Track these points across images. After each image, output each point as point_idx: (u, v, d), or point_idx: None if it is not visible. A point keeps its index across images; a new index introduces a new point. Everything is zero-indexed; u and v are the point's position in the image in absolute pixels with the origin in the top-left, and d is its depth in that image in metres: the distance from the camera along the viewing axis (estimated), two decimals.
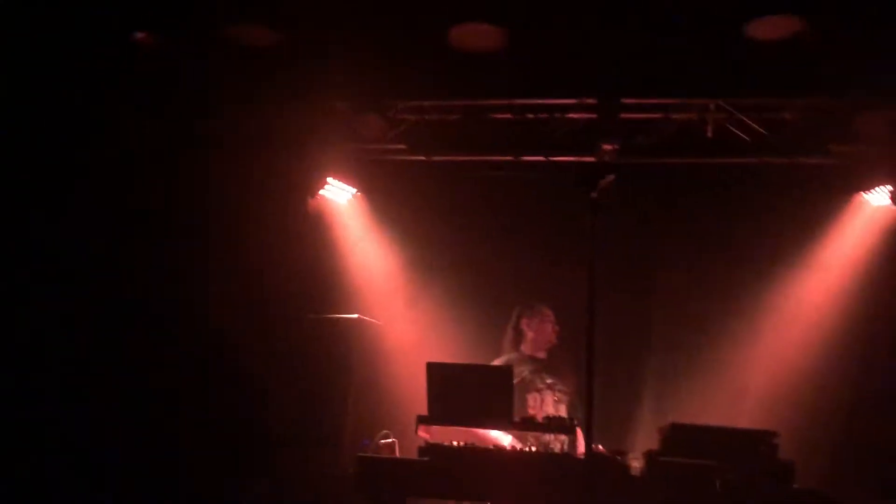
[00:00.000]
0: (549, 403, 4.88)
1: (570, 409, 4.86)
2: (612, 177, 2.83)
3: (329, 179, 5.91)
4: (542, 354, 5.03)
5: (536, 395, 4.89)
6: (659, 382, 5.77)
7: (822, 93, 5.00)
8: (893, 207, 5.24)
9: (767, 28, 4.29)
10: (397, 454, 4.44)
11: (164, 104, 5.21)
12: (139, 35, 4.90)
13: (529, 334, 5.05)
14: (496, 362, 5.00)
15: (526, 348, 5.06)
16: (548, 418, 4.11)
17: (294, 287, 5.64)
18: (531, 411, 4.76)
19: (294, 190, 5.78)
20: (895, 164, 5.03)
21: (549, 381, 4.94)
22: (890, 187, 5.20)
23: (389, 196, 6.05)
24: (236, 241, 5.42)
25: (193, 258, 5.33)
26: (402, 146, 5.72)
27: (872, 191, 5.37)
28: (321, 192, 5.93)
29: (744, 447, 3.86)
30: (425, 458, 4.09)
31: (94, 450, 4.89)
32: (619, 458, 4.03)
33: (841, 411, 5.29)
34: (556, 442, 4.66)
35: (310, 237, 5.89)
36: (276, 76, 5.18)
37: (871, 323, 5.31)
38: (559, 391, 4.92)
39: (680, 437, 3.93)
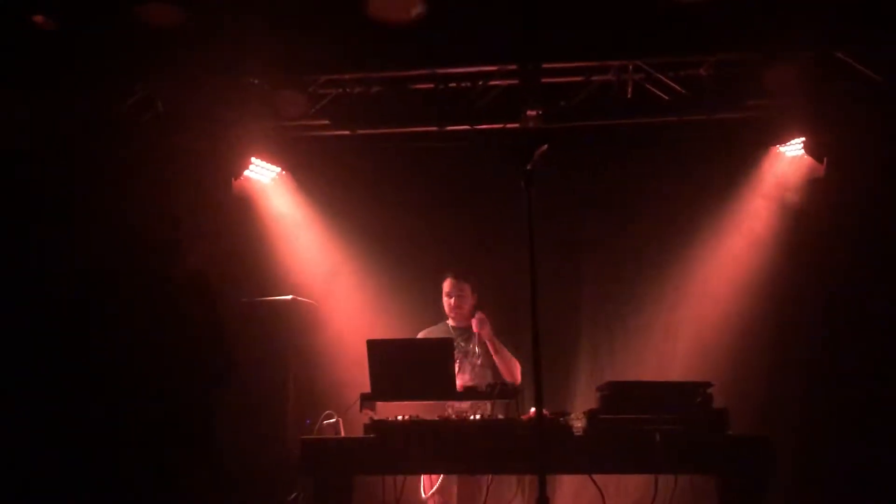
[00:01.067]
0: (466, 372, 4.90)
1: (494, 376, 4.86)
2: (545, 146, 2.83)
3: (252, 159, 5.78)
4: (464, 324, 5.03)
5: (459, 365, 4.89)
6: (593, 346, 5.89)
7: (733, 48, 5.11)
8: (807, 158, 5.43)
9: None
10: (342, 433, 4.42)
11: (74, 87, 4.99)
12: (38, 17, 4.66)
13: (447, 305, 5.06)
14: (420, 335, 5.01)
15: (450, 319, 5.09)
16: (490, 385, 4.14)
17: (224, 272, 5.50)
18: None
19: (217, 172, 5.63)
20: (807, 117, 5.19)
21: (468, 349, 4.95)
22: (803, 139, 5.39)
23: (315, 173, 5.96)
24: (157, 230, 5.24)
25: (107, 249, 5.14)
26: (325, 122, 5.62)
27: (788, 143, 5.54)
28: (245, 172, 5.79)
29: (680, 399, 3.97)
30: (371, 436, 4.08)
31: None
32: (561, 419, 4.10)
33: (767, 360, 5.50)
34: (472, 411, 4.61)
35: (237, 220, 5.75)
36: (189, 54, 5.01)
37: (792, 271, 5.53)
38: (481, 359, 4.94)
39: (618, 395, 4.01)
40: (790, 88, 5.03)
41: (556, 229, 5.67)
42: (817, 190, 5.43)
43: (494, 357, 4.87)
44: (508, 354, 4.88)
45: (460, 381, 4.73)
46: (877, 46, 4.98)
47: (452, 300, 5.03)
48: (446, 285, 5.07)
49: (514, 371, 4.86)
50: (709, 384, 3.99)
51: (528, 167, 2.83)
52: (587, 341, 5.91)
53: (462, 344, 4.96)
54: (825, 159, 5.29)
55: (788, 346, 5.47)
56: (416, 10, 4.38)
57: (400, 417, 4.14)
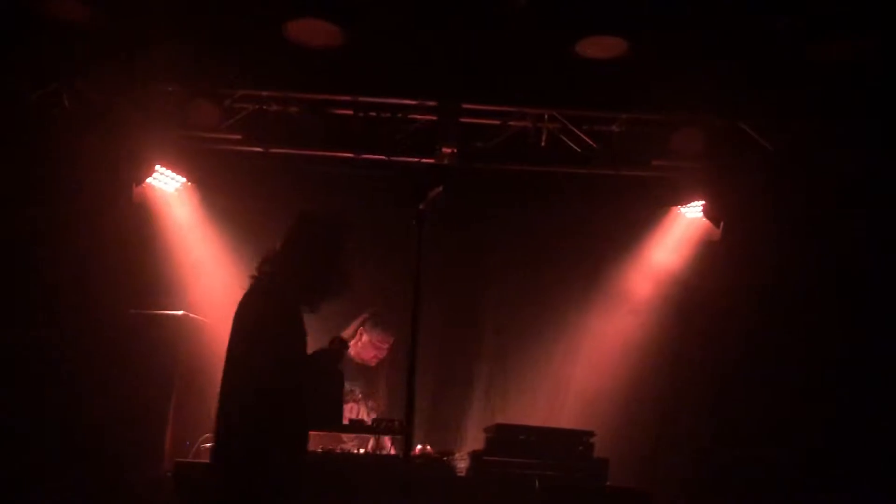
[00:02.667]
0: (360, 413, 4.89)
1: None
2: (439, 188, 2.85)
3: (157, 167, 5.60)
4: (369, 362, 5.02)
5: (351, 404, 4.89)
6: (487, 389, 5.91)
7: (644, 109, 5.31)
8: (705, 221, 5.64)
9: (596, 47, 4.51)
10: None
11: None
12: None
13: (361, 342, 5.00)
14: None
15: (353, 350, 5.03)
16: (376, 420, 4.09)
17: (115, 280, 5.29)
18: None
19: (118, 177, 5.43)
20: (707, 181, 5.41)
21: (363, 391, 4.96)
22: (703, 202, 5.60)
23: (221, 187, 5.80)
24: (48, 232, 5.01)
25: None
26: (237, 136, 5.51)
27: (688, 204, 5.76)
28: (148, 180, 5.61)
29: (562, 446, 4.03)
30: None
31: None
32: (445, 458, 4.08)
33: (655, 410, 5.63)
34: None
35: (134, 228, 5.54)
36: (101, 53, 4.86)
37: (683, 326, 5.70)
38: (376, 401, 4.96)
39: (504, 438, 4.04)
40: (694, 153, 5.25)
41: (458, 270, 5.71)
42: (712, 252, 5.64)
43: None
44: None
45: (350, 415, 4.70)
46: (775, 120, 5.25)
47: (382, 354, 4.99)
48: (385, 340, 4.98)
49: None
50: (591, 433, 4.06)
51: (421, 207, 2.83)
52: (482, 383, 5.93)
53: (363, 386, 4.94)
54: (721, 223, 5.51)
55: (679, 399, 5.60)
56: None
57: None
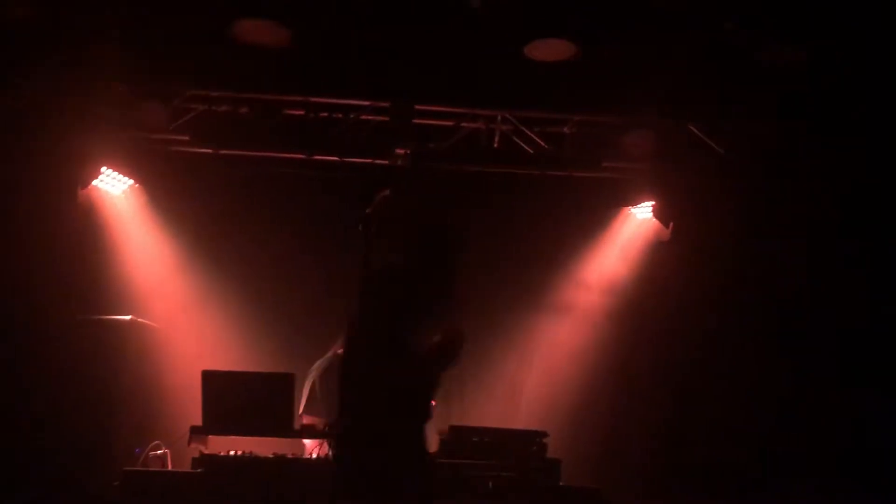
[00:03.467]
0: None
1: None
2: (386, 192, 2.84)
3: (103, 169, 5.47)
4: None
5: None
6: (444, 392, 5.88)
7: (594, 110, 5.35)
8: (655, 222, 5.71)
9: (546, 50, 4.54)
10: (169, 467, 4.20)
11: None
12: None
13: None
14: (319, 362, 4.93)
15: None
16: (327, 424, 4.06)
17: (61, 285, 5.16)
18: None
19: (62, 178, 5.29)
20: (657, 182, 5.48)
21: None
22: (653, 202, 5.67)
23: (170, 189, 5.69)
24: None
25: None
26: (185, 137, 5.41)
27: (639, 205, 5.83)
28: (94, 182, 5.47)
29: (516, 447, 4.04)
30: (199, 470, 3.91)
31: None
32: None
33: (607, 411, 5.69)
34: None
35: (79, 230, 5.40)
36: (41, 52, 4.72)
37: (634, 327, 5.76)
38: None
39: (457, 439, 4.04)
40: (644, 154, 5.32)
41: None
42: (662, 253, 5.71)
43: None
44: None
45: None
46: (724, 122, 5.34)
47: None
48: None
49: None
50: (544, 434, 4.08)
51: (368, 211, 2.82)
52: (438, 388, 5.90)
53: None
54: (671, 224, 5.58)
55: (631, 400, 5.67)
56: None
57: (232, 452, 3.99)
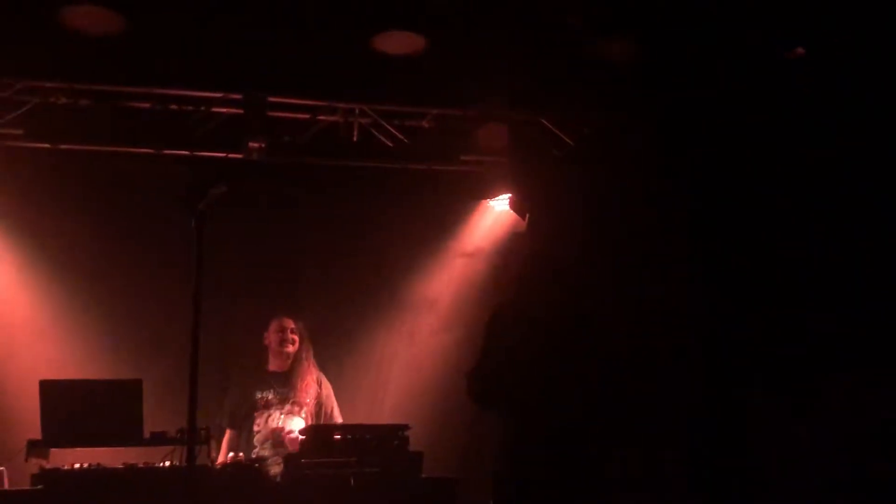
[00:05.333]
0: (275, 419, 4.75)
1: (308, 419, 4.78)
2: (223, 188, 2.74)
3: None
4: (282, 368, 4.89)
5: (264, 411, 4.77)
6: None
7: (449, 104, 5.40)
8: (512, 213, 5.85)
9: (394, 43, 4.53)
10: (6, 485, 3.91)
11: None
12: None
13: (269, 338, 4.94)
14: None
15: (271, 365, 4.94)
16: (180, 430, 3.89)
17: None
18: (256, 428, 4.72)
19: None
20: (512, 175, 5.61)
21: (279, 395, 4.81)
22: (509, 195, 5.80)
23: (3, 185, 5.28)
24: None
25: None
26: (19, 131, 5.04)
27: (496, 198, 5.94)
28: None
29: (378, 441, 4.04)
30: (39, 487, 3.67)
31: None
32: (257, 465, 3.98)
33: (468, 403, 5.76)
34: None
35: None
36: None
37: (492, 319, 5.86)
38: (293, 404, 4.80)
39: (318, 438, 4.00)
40: (499, 147, 5.43)
41: (274, 260, 5.57)
42: (519, 244, 5.85)
43: None
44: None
45: (265, 429, 4.69)
46: (573, 115, 5.53)
47: (288, 336, 4.87)
48: (283, 323, 4.90)
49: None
50: (406, 427, 4.10)
51: (201, 207, 2.71)
52: None
53: (279, 390, 4.80)
54: (527, 215, 5.72)
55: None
56: None
57: (77, 465, 3.77)
